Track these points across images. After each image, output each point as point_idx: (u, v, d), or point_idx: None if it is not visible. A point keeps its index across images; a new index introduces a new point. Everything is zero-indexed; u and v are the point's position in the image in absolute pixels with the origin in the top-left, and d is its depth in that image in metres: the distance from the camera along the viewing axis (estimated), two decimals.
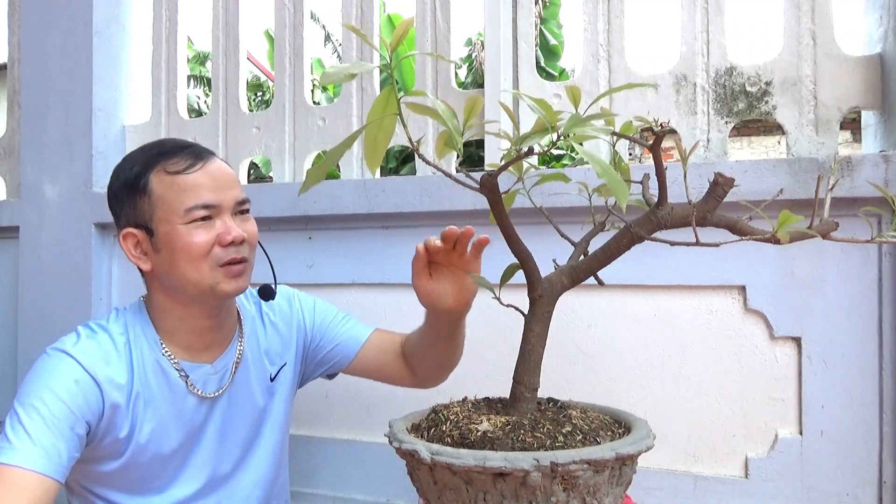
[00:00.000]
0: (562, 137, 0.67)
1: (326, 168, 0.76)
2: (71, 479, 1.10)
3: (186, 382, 1.11)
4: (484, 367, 1.44)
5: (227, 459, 1.18)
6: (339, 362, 1.29)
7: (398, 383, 1.29)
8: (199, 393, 1.12)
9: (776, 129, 8.34)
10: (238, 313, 1.21)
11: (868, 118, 1.36)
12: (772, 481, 1.28)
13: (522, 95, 0.71)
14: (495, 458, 0.72)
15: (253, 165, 4.30)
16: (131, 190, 1.06)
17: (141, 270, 1.10)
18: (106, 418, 1.04)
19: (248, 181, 1.94)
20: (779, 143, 9.05)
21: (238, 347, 1.19)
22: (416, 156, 0.78)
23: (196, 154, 1.07)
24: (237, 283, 1.07)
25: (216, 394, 1.15)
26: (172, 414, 1.10)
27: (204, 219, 1.04)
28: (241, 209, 1.09)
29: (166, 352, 1.10)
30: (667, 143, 0.84)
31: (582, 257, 0.90)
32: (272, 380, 1.23)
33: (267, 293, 1.22)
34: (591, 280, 0.89)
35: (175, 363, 1.11)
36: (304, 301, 1.32)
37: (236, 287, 1.08)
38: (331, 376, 1.35)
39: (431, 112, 0.71)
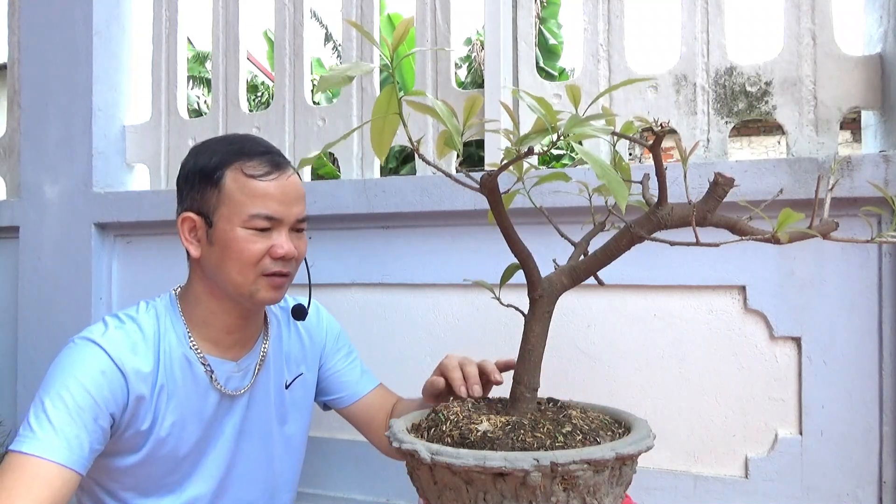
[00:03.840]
0: (562, 137, 0.67)
1: (321, 153, 0.78)
2: (84, 478, 1.11)
3: (211, 377, 1.12)
4: None
5: (242, 461, 1.18)
6: (341, 399, 1.31)
7: (374, 444, 1.31)
8: (222, 389, 1.13)
9: (776, 129, 8.36)
10: (265, 315, 1.23)
11: (868, 118, 1.36)
12: (772, 481, 1.28)
13: (522, 94, 0.71)
14: (495, 458, 0.72)
15: None
16: (204, 178, 1.08)
17: (188, 255, 1.12)
18: (130, 410, 1.04)
19: None
20: (779, 143, 9.05)
21: (262, 349, 1.20)
22: (416, 156, 0.78)
23: (275, 163, 1.09)
24: (275, 293, 1.10)
25: (238, 392, 1.15)
26: (194, 408, 1.11)
27: (263, 229, 1.06)
28: (298, 227, 1.12)
29: (194, 345, 1.12)
30: (667, 143, 0.84)
31: (582, 257, 0.90)
32: (287, 387, 1.24)
33: (300, 313, 1.24)
34: (591, 280, 0.89)
35: (201, 357, 1.12)
36: (330, 323, 1.35)
37: (273, 297, 1.10)
38: (327, 407, 1.36)
39: (432, 111, 0.71)
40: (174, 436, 1.09)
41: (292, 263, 1.10)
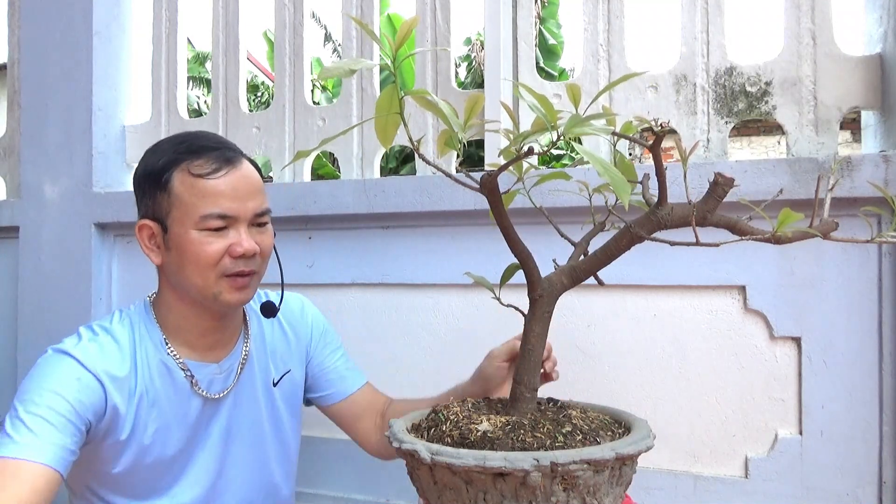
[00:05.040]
0: (561, 137, 0.67)
1: (319, 149, 0.80)
2: (75, 482, 1.10)
3: (191, 382, 1.10)
4: None
5: (233, 462, 1.17)
6: (329, 396, 1.28)
7: (360, 442, 1.29)
8: (204, 394, 1.12)
9: (776, 129, 8.35)
10: (244, 313, 1.20)
11: (868, 118, 1.36)
12: (772, 481, 1.28)
13: (523, 91, 0.71)
14: (495, 458, 0.72)
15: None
16: (153, 182, 1.05)
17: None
18: (108, 418, 1.03)
19: None
20: (779, 143, 9.05)
21: (244, 348, 1.18)
22: (417, 156, 0.78)
23: (224, 158, 1.04)
24: (240, 294, 1.06)
25: (221, 395, 1.14)
26: (177, 414, 1.10)
27: (218, 228, 1.02)
28: (258, 221, 1.07)
29: (171, 351, 1.09)
30: (667, 143, 0.84)
31: (582, 257, 0.90)
32: (275, 385, 1.22)
33: (269, 310, 1.19)
34: (591, 280, 0.88)
35: (180, 363, 1.10)
36: (316, 317, 1.31)
37: (239, 298, 1.06)
38: (309, 403, 1.32)
39: (435, 108, 0.71)
40: (159, 442, 1.08)
41: (256, 260, 1.06)
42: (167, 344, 1.10)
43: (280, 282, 1.21)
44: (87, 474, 1.08)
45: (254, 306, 1.23)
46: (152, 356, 1.08)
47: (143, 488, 1.10)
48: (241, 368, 1.17)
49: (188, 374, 1.10)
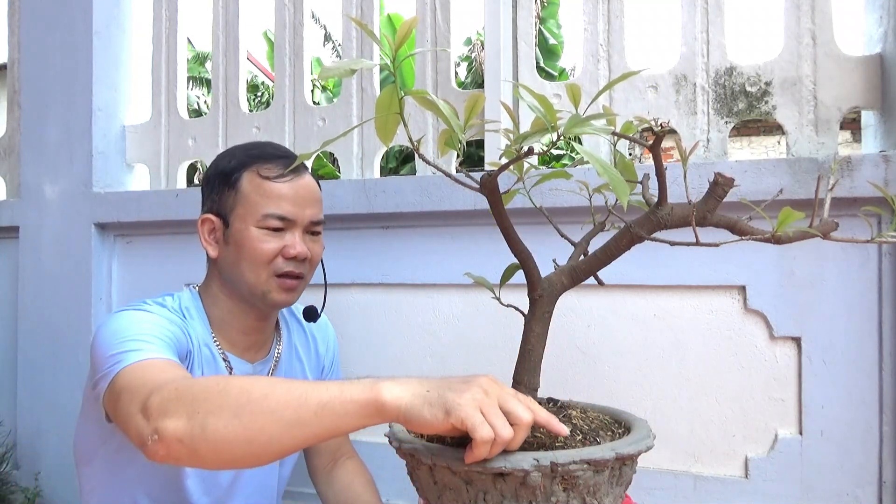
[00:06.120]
0: (561, 137, 0.66)
1: (319, 150, 0.83)
2: (88, 445, 1.09)
3: (229, 374, 1.13)
4: (484, 367, 1.44)
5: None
6: None
7: (309, 472, 1.33)
8: None
9: (776, 129, 8.35)
10: (278, 321, 1.25)
11: (868, 118, 1.36)
12: (772, 481, 1.28)
13: (522, 91, 0.71)
14: (495, 459, 0.72)
15: None
16: (223, 180, 1.12)
17: (207, 256, 1.15)
18: (183, 363, 1.05)
19: None
20: (779, 143, 9.05)
21: (276, 352, 1.22)
22: (417, 156, 0.78)
23: (291, 167, 1.12)
24: (287, 296, 1.12)
25: None
26: None
27: (276, 229, 1.09)
28: (313, 229, 1.14)
29: (216, 340, 1.14)
30: (667, 143, 0.84)
31: (582, 257, 0.90)
32: None
33: (311, 314, 1.25)
34: (591, 280, 0.88)
35: (222, 353, 1.13)
36: (336, 348, 1.37)
37: (286, 299, 1.12)
38: None
39: (435, 108, 0.71)
40: None
41: (305, 265, 1.12)
42: (212, 333, 1.14)
43: (324, 296, 1.28)
44: (111, 439, 1.05)
45: (287, 315, 1.28)
46: (201, 338, 1.12)
47: (166, 484, 1.09)
48: (271, 373, 1.20)
49: (228, 364, 1.13)
